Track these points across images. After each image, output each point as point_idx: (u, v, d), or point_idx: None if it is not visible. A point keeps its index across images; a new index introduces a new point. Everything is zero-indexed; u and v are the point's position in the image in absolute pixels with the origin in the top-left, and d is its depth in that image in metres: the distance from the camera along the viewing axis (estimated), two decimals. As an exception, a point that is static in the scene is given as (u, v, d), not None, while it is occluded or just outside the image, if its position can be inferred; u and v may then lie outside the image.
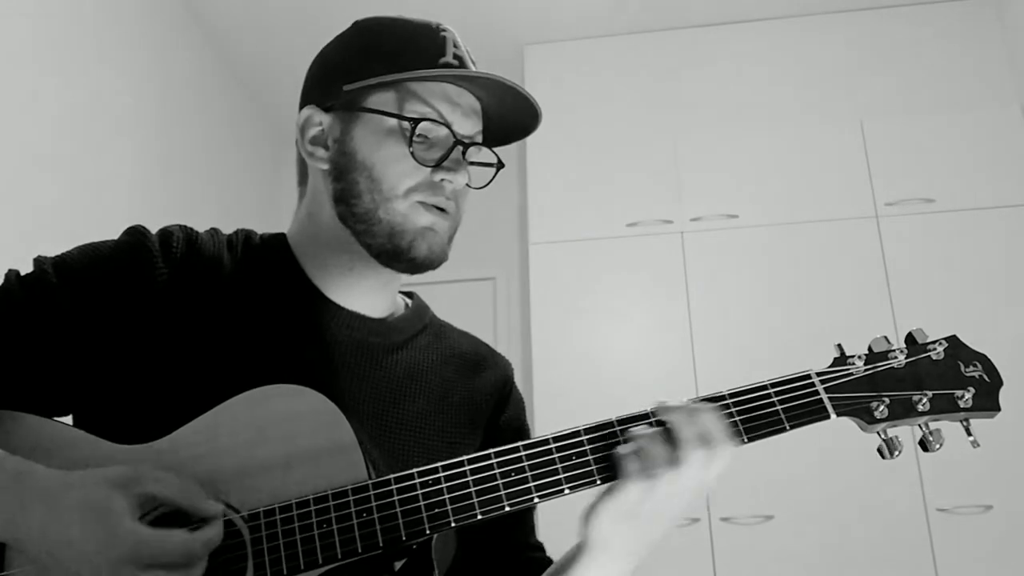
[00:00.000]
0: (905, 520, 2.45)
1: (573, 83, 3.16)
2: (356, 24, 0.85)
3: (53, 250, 0.79)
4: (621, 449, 0.68)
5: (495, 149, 0.86)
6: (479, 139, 0.83)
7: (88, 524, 0.59)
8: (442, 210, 0.79)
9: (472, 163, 0.83)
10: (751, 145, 2.92)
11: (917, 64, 2.98)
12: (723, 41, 3.14)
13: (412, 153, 0.77)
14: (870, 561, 2.42)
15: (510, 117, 0.83)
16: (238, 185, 3.39)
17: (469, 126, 0.81)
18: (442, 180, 0.78)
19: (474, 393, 0.89)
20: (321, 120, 0.82)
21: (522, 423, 0.94)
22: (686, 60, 3.14)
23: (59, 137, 2.26)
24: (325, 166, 0.82)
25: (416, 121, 0.76)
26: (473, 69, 0.80)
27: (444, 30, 0.81)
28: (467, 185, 0.81)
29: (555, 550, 0.91)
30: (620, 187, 2.94)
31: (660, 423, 0.69)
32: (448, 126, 0.78)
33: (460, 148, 0.79)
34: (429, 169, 0.77)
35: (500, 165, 0.85)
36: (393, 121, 0.78)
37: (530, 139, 3.12)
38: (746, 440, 0.69)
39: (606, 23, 3.16)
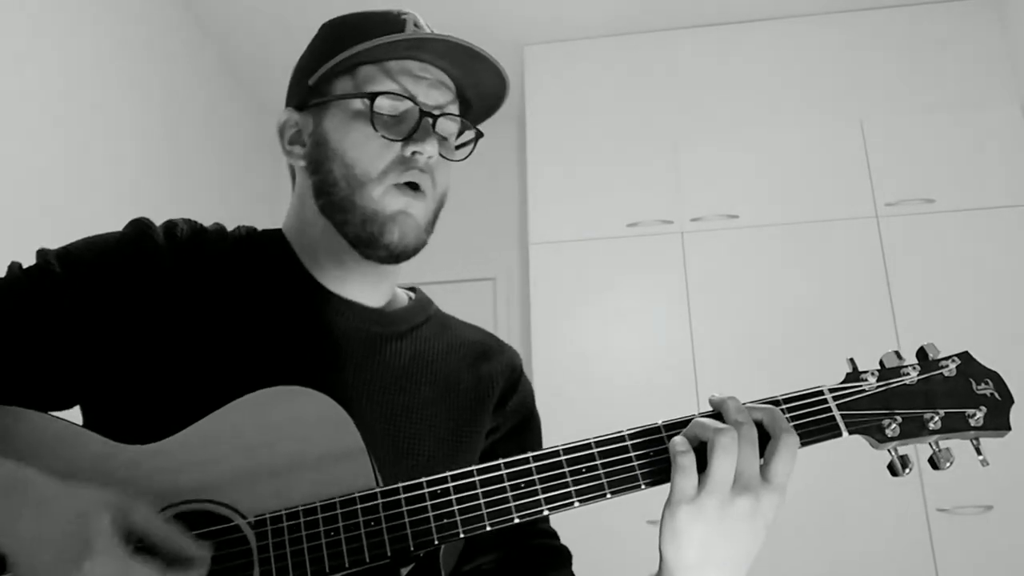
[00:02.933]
0: (905, 520, 2.45)
1: (573, 83, 3.15)
2: (321, 26, 0.86)
3: (55, 250, 0.78)
4: (677, 443, 0.65)
5: (481, 125, 0.86)
6: (451, 110, 0.81)
7: (71, 537, 0.57)
8: (416, 189, 0.78)
9: (459, 146, 0.83)
10: (751, 145, 2.92)
11: (917, 64, 2.98)
12: (723, 41, 3.13)
13: (375, 129, 0.76)
14: (870, 561, 2.42)
15: (481, 87, 0.83)
16: (238, 185, 3.38)
17: (436, 96, 0.79)
18: (413, 153, 0.77)
19: (481, 381, 0.88)
20: (296, 120, 0.84)
21: (531, 410, 0.94)
22: (686, 60, 3.13)
23: (60, 138, 2.25)
24: (303, 162, 0.83)
25: (373, 96, 0.76)
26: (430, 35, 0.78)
27: (405, 13, 0.81)
28: (443, 156, 0.80)
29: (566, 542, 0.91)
30: (620, 187, 2.94)
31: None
32: (412, 98, 0.78)
33: (429, 120, 0.78)
34: (399, 144, 0.77)
35: (478, 135, 0.85)
36: (357, 103, 0.78)
37: (530, 139, 3.12)
38: (760, 457, 0.67)
39: (606, 23, 3.15)
